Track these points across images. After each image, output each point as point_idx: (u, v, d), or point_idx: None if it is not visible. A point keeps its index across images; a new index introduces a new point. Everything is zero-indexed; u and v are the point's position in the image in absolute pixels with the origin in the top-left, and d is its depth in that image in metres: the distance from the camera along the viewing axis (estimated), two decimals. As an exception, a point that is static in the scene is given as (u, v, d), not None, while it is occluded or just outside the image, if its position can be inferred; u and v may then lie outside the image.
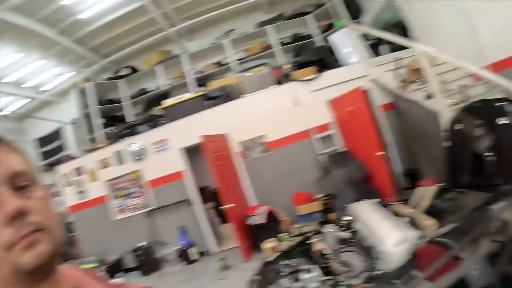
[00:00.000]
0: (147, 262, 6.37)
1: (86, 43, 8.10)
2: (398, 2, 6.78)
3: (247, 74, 6.64)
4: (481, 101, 4.22)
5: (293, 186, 6.24)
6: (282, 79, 6.74)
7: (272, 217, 5.80)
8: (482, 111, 3.86)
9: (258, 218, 5.73)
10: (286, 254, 2.38)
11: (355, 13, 7.93)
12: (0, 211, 0.56)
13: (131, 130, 6.75)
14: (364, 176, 5.90)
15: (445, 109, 4.68)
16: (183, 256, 6.22)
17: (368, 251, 1.92)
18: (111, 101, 8.38)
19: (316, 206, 5.88)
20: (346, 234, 2.16)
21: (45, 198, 0.64)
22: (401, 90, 5.83)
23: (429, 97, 5.13)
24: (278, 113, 6.43)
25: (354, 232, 2.16)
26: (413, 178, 5.98)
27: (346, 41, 6.85)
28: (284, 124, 6.44)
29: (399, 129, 6.36)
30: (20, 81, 8.69)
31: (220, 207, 8.21)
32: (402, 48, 6.39)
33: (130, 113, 8.15)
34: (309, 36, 8.40)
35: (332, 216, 5.50)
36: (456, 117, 4.16)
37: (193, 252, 6.24)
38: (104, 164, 6.86)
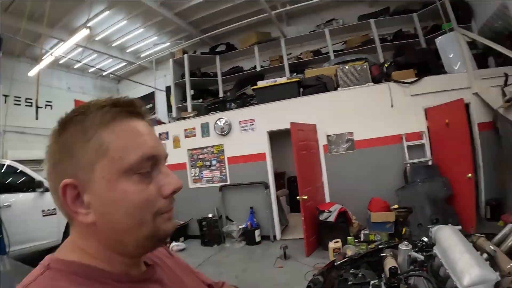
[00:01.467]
0: (211, 233, 6.63)
1: (186, 16, 8.44)
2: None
3: (344, 67, 6.41)
4: None
5: (371, 191, 5.99)
6: (380, 77, 6.43)
7: (343, 218, 5.67)
8: None
9: (329, 215, 5.61)
10: (354, 262, 2.23)
11: (464, 17, 7.18)
12: (166, 186, 0.67)
13: (220, 105, 6.94)
14: (448, 196, 5.47)
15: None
16: (247, 235, 6.38)
17: (441, 281, 1.71)
18: (205, 75, 8.68)
19: (390, 216, 5.59)
20: (421, 256, 1.96)
21: None
22: (505, 110, 5.32)
23: None
24: (371, 112, 6.17)
25: (430, 256, 1.95)
26: (496, 209, 5.53)
27: (452, 47, 6.32)
28: (375, 125, 6.16)
29: (492, 152, 5.78)
30: (123, 45, 9.38)
31: (292, 196, 8.33)
32: None
33: (222, 89, 8.37)
34: (412, 36, 7.88)
35: (404, 231, 5.25)
36: None
37: (257, 234, 6.36)
38: (189, 134, 7.18)
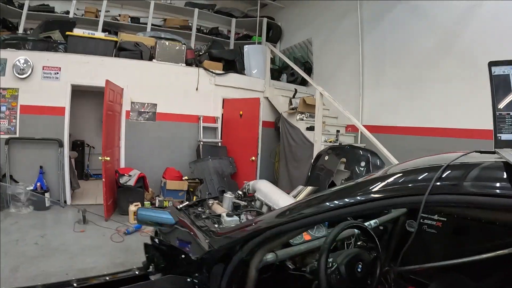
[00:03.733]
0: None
1: None
2: (314, 48, 8.16)
3: (164, 42, 6.71)
4: (350, 145, 5.41)
5: (166, 161, 6.65)
6: (193, 61, 7.15)
7: (141, 183, 5.96)
8: (348, 152, 4.94)
9: (129, 179, 5.80)
10: (191, 207, 2.83)
11: (273, 36, 9.03)
12: None
13: (20, 43, 5.84)
14: (233, 173, 6.76)
15: (319, 143, 5.85)
16: (35, 200, 5.59)
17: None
18: (9, 2, 6.96)
19: (183, 185, 6.35)
20: (243, 202, 2.79)
21: None
22: (288, 115, 6.90)
23: (309, 128, 6.35)
24: (178, 90, 6.82)
25: (250, 202, 2.83)
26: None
27: (256, 56, 7.83)
28: (178, 102, 6.85)
29: (269, 145, 7.52)
30: None
31: (82, 160, 7.94)
32: (301, 83, 8.09)
33: (23, 24, 6.96)
34: (225, 36, 9.10)
35: (195, 198, 5.99)
36: (325, 150, 5.18)
37: (47, 198, 5.69)
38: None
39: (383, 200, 1.13)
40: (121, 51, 6.38)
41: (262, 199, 2.70)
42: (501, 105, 1.26)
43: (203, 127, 6.99)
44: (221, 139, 7.21)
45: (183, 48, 6.86)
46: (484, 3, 5.15)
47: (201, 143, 6.89)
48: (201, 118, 6.97)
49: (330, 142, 6.15)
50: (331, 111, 6.98)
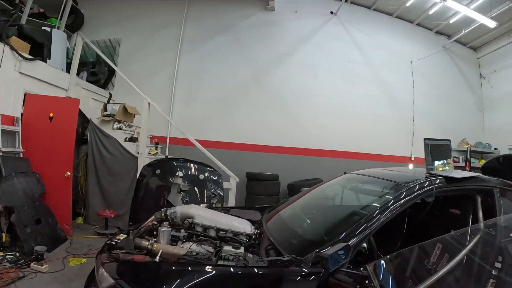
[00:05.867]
0: None
1: None
2: (122, 50, 7.75)
3: None
4: (183, 159, 4.70)
5: None
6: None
7: None
8: (182, 166, 4.87)
9: None
10: None
11: (74, 25, 7.59)
12: None
13: None
14: (43, 194, 5.11)
15: (144, 156, 5.80)
16: None
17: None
18: None
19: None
20: (184, 232, 2.65)
21: None
22: (100, 122, 6.06)
23: (131, 140, 6.01)
24: None
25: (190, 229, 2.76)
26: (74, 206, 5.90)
27: (60, 45, 6.41)
28: None
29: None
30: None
31: None
32: (103, 85, 7.38)
33: None
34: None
35: (5, 237, 4.24)
36: (150, 164, 4.83)
37: None
38: None
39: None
40: None
41: (210, 225, 2.57)
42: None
43: (2, 130, 4.81)
44: (22, 148, 5.19)
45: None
46: (293, 56, 7.19)
47: (1, 153, 4.76)
48: (-1, 117, 4.74)
49: (154, 154, 6.20)
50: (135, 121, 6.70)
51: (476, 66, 9.29)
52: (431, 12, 7.97)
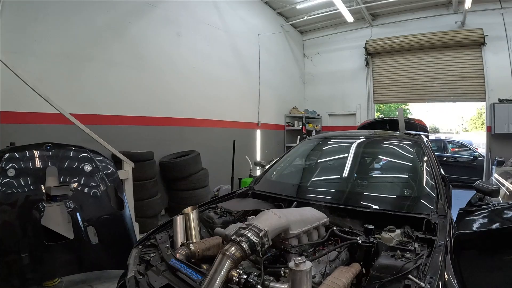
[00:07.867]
0: None
1: None
2: None
3: None
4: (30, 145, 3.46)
5: None
6: None
7: None
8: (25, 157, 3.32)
9: None
10: None
11: None
12: None
13: None
14: None
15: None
16: None
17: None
18: None
19: None
20: None
21: None
22: None
23: None
24: None
25: None
26: None
27: None
28: None
29: None
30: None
31: None
32: None
33: None
34: None
35: None
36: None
37: None
38: None
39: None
40: None
41: (308, 227, 1.94)
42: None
43: None
44: None
45: None
46: (157, 7, 6.44)
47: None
48: None
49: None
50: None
51: (301, 47, 11.19)
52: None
